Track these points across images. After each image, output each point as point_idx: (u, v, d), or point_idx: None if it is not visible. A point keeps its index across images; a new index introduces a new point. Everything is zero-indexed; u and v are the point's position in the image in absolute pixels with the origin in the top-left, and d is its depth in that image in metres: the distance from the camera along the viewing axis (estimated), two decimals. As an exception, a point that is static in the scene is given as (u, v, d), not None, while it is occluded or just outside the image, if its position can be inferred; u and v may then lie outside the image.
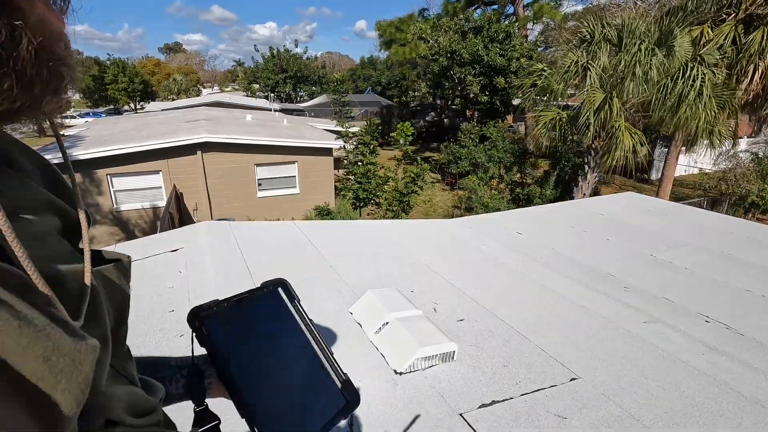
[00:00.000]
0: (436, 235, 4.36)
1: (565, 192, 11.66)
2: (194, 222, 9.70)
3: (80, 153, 9.70)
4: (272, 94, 31.29)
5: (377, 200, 11.83)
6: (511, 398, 1.86)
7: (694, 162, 16.22)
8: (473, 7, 22.23)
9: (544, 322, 2.63)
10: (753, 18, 7.95)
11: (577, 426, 1.71)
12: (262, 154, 11.58)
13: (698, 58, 7.12)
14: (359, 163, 12.00)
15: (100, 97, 37.79)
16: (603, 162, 8.24)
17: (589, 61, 7.56)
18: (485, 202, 11.93)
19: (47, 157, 0.45)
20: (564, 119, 8.52)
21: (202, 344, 0.53)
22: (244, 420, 0.52)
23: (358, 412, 1.87)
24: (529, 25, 22.28)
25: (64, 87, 0.33)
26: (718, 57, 7.47)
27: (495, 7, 22.99)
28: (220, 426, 0.59)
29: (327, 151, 12.35)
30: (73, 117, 33.58)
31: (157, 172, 10.64)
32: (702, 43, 7.94)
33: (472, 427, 1.70)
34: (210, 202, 11.33)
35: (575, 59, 7.69)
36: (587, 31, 7.95)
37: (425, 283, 3.19)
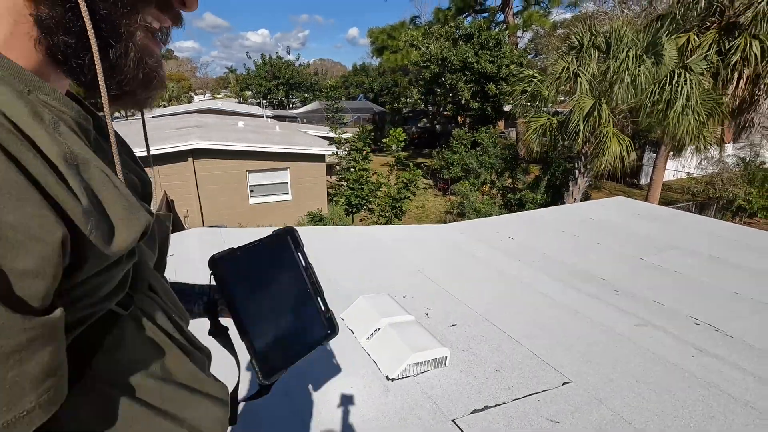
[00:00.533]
0: (429, 241, 4.36)
1: (556, 197, 11.75)
2: (185, 229, 9.61)
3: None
4: (264, 101, 31.29)
5: (370, 206, 11.83)
6: (504, 403, 1.86)
7: (682, 167, 16.46)
8: (464, 15, 22.47)
9: (536, 327, 2.64)
10: (736, 26, 8.13)
11: (570, 430, 1.71)
12: (255, 160, 11.54)
13: (686, 66, 7.26)
14: (352, 169, 12.01)
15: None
16: (593, 167, 8.34)
17: (579, 68, 7.67)
18: (477, 208, 11.98)
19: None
20: (554, 125, 8.61)
21: (216, 283, 0.66)
22: (244, 342, 0.65)
23: (351, 418, 1.85)
24: (519, 33, 22.55)
25: (152, 86, 0.49)
26: (704, 66, 7.62)
27: (485, 15, 23.27)
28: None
29: (319, 158, 12.34)
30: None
31: (147, 179, 10.55)
32: (689, 49, 8.10)
33: (464, 433, 1.69)
34: (201, 208, 11.25)
35: (566, 66, 7.79)
36: (576, 38, 8.06)
37: (417, 288, 3.18)
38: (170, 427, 0.51)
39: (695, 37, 8.26)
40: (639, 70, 7.20)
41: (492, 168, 14.50)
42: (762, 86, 8.16)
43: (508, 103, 14.65)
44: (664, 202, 12.95)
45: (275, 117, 22.31)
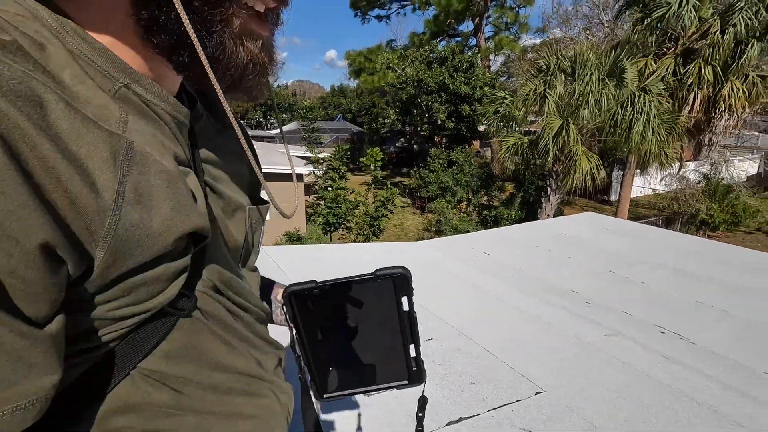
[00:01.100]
0: (406, 258, 4.40)
1: (530, 213, 12.06)
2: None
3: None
4: (242, 122, 31.15)
5: (348, 224, 11.84)
6: (479, 414, 1.88)
7: (648, 183, 17.17)
8: (438, 39, 23.21)
9: (510, 340, 2.69)
10: (691, 52, 8.73)
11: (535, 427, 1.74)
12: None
13: (645, 88, 7.72)
14: (329, 188, 12.05)
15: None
16: (564, 184, 8.65)
17: (547, 90, 8.06)
18: (454, 225, 12.16)
19: None
20: (525, 144, 8.94)
21: (289, 320, 0.63)
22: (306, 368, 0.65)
23: (327, 437, 1.83)
24: (492, 56, 23.41)
25: (257, 71, 0.47)
26: (662, 87, 8.12)
27: (458, 39, 24.09)
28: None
29: (297, 177, 12.34)
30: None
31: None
32: (647, 74, 8.62)
33: (440, 446, 1.70)
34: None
35: (533, 87, 8.17)
36: (543, 62, 8.48)
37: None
38: (224, 423, 0.52)
39: (652, 62, 8.80)
40: (602, 92, 7.62)
41: (468, 186, 14.80)
42: (717, 108, 8.73)
43: (482, 124, 15.08)
44: (633, 217, 13.44)
45: (252, 137, 22.23)
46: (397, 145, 26.36)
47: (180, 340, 0.46)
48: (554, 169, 8.79)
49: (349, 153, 13.64)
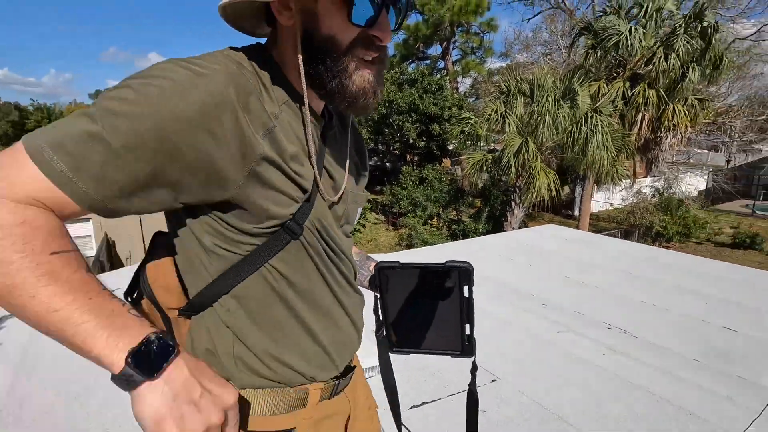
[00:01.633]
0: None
1: (496, 226, 12.52)
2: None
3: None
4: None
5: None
6: (440, 399, 2.08)
7: (608, 199, 18.09)
8: (408, 62, 23.98)
9: (475, 337, 2.91)
10: (637, 76, 9.51)
11: (495, 416, 1.95)
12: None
13: (597, 109, 8.36)
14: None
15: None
16: (526, 198, 9.12)
17: (507, 110, 8.59)
18: (425, 239, 12.45)
19: None
20: (490, 160, 9.42)
21: (377, 284, 0.84)
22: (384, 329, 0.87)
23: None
24: (459, 78, 24.33)
25: (366, 96, 0.70)
26: (612, 109, 8.81)
27: (427, 62, 24.95)
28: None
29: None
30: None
31: (87, 219, 10.09)
32: (600, 95, 9.32)
33: (403, 424, 1.89)
34: (146, 248, 10.82)
35: (495, 108, 8.69)
36: (505, 84, 9.05)
37: (367, 307, 3.38)
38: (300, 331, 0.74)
39: (605, 85, 9.54)
40: (558, 113, 8.19)
41: (438, 202, 15.22)
42: (662, 128, 9.50)
43: (452, 142, 15.62)
44: (595, 230, 14.13)
45: None
46: (369, 163, 26.65)
47: (290, 253, 0.69)
48: (517, 184, 9.29)
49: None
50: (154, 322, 0.60)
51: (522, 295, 3.78)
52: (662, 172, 13.09)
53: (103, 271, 7.91)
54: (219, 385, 0.56)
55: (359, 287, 0.91)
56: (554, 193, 8.61)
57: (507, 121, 8.68)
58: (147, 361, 0.50)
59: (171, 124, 0.53)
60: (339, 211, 0.78)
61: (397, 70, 19.52)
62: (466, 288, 0.81)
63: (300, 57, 0.65)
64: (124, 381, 0.50)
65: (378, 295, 0.87)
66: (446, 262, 0.81)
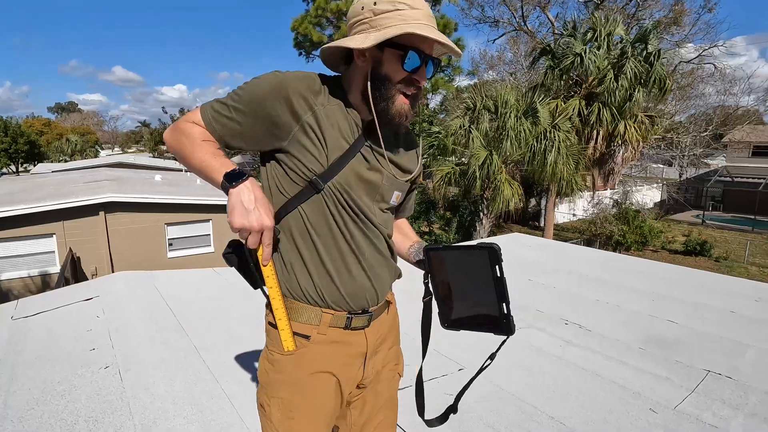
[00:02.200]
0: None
1: (465, 236, 12.92)
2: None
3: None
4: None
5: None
6: (410, 386, 2.26)
7: (572, 210, 18.93)
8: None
9: (444, 335, 3.11)
10: (592, 95, 10.21)
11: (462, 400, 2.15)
12: (174, 212, 11.25)
13: (555, 125, 8.95)
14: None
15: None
16: (492, 209, 9.55)
17: (471, 126, 9.07)
18: (398, 250, 12.67)
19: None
20: (457, 173, 9.84)
21: (426, 263, 1.04)
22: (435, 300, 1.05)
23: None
24: (429, 95, 25.05)
25: (402, 118, 1.01)
26: (569, 126, 9.44)
27: (399, 78, 25.54)
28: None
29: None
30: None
31: (50, 235, 9.77)
32: (558, 112, 9.96)
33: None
34: (113, 265, 10.55)
35: (460, 124, 9.14)
36: (470, 101, 9.53)
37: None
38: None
39: (562, 103, 10.19)
40: (520, 128, 8.70)
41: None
42: (615, 143, 10.22)
43: (423, 156, 16.04)
44: (559, 239, 14.76)
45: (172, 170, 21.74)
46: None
47: (314, 203, 0.99)
48: (484, 195, 9.73)
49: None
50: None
51: (488, 296, 4.02)
52: (620, 183, 13.90)
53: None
54: (266, 212, 0.90)
55: (399, 260, 1.21)
56: (520, 203, 9.08)
57: (471, 135, 9.15)
58: (231, 178, 0.89)
59: (258, 96, 0.94)
60: (372, 187, 1.04)
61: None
62: (497, 268, 0.89)
63: (369, 84, 0.97)
64: (224, 187, 0.91)
65: (426, 273, 1.08)
66: (478, 242, 0.97)
